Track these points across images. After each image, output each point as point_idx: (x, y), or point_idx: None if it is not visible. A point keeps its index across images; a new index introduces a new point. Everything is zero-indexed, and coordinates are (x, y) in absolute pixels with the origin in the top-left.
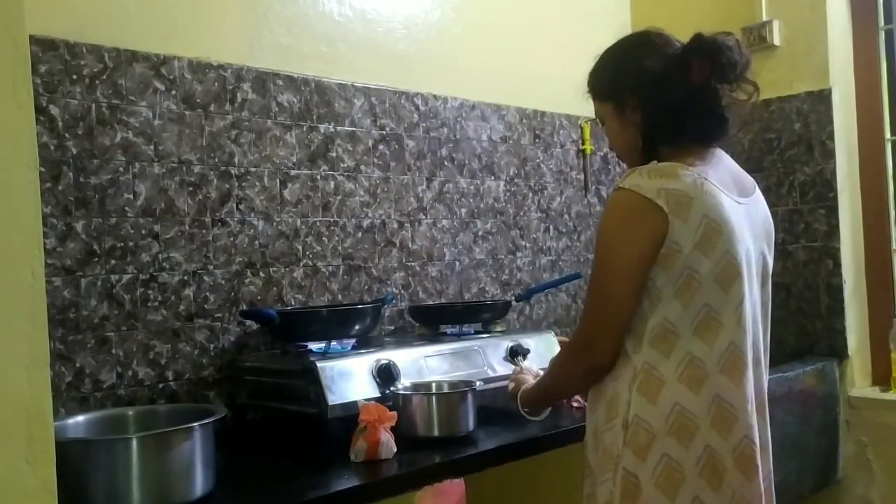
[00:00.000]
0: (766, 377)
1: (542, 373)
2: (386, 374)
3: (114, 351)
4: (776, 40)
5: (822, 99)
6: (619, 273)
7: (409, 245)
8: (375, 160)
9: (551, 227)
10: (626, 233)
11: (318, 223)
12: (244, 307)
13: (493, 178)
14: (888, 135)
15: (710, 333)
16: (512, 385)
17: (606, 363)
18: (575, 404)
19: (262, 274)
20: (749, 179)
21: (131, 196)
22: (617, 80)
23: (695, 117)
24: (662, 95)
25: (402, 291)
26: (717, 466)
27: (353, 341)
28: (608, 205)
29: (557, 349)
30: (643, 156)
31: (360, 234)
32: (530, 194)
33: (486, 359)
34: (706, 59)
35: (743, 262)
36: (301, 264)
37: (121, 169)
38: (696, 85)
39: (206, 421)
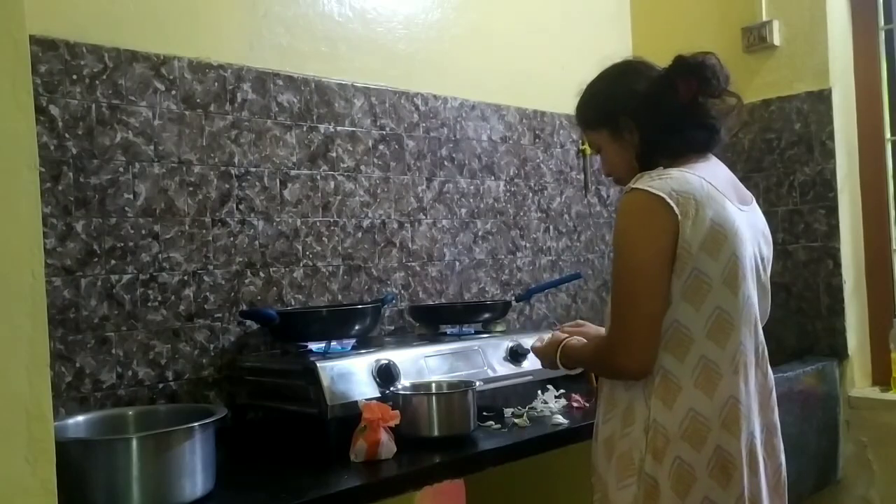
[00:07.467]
0: (770, 372)
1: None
2: (386, 374)
3: (114, 351)
4: (776, 40)
5: (822, 99)
6: (646, 274)
7: (409, 245)
8: (375, 160)
9: (551, 227)
10: (646, 232)
11: (318, 223)
12: (244, 307)
13: (493, 178)
14: (888, 135)
15: (723, 336)
16: (542, 344)
17: (644, 368)
18: (575, 404)
19: (262, 274)
20: (746, 190)
21: (131, 196)
22: (609, 106)
23: (690, 128)
24: (656, 112)
25: (402, 291)
26: (727, 466)
27: (353, 341)
28: (623, 207)
29: None
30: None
31: (360, 234)
32: (530, 194)
33: (486, 359)
34: (691, 77)
35: (748, 265)
36: (301, 264)
37: (121, 169)
38: (684, 102)
39: (206, 421)
